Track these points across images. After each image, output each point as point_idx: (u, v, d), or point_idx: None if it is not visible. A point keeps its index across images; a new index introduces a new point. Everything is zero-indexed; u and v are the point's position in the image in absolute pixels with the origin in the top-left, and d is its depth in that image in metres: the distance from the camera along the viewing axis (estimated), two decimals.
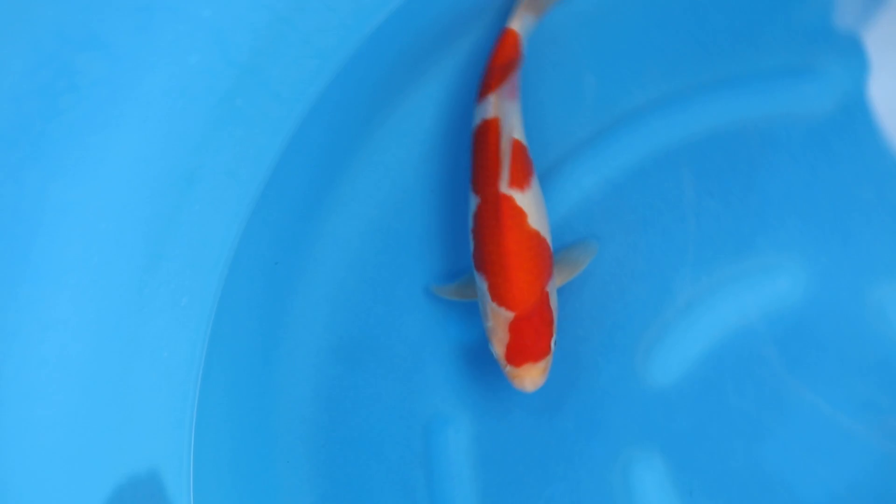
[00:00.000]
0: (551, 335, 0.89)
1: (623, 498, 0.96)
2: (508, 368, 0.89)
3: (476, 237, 0.91)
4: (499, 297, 0.88)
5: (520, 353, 0.88)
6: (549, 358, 0.89)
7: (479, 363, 1.00)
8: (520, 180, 0.90)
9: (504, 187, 0.89)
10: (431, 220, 1.02)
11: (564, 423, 0.98)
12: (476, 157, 0.92)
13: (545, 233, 0.91)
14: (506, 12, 1.00)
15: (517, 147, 0.91)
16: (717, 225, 0.99)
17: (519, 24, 0.98)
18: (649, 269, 0.99)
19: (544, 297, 0.89)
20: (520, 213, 0.89)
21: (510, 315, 0.88)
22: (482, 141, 0.92)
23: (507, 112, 0.92)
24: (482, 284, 0.90)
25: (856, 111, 0.98)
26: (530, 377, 0.88)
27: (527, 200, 0.90)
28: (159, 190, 0.93)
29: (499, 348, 0.89)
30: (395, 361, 1.01)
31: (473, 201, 0.92)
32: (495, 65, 0.95)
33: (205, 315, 0.98)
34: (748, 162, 0.99)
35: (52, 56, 0.85)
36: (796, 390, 0.95)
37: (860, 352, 0.95)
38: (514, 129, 0.92)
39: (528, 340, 0.88)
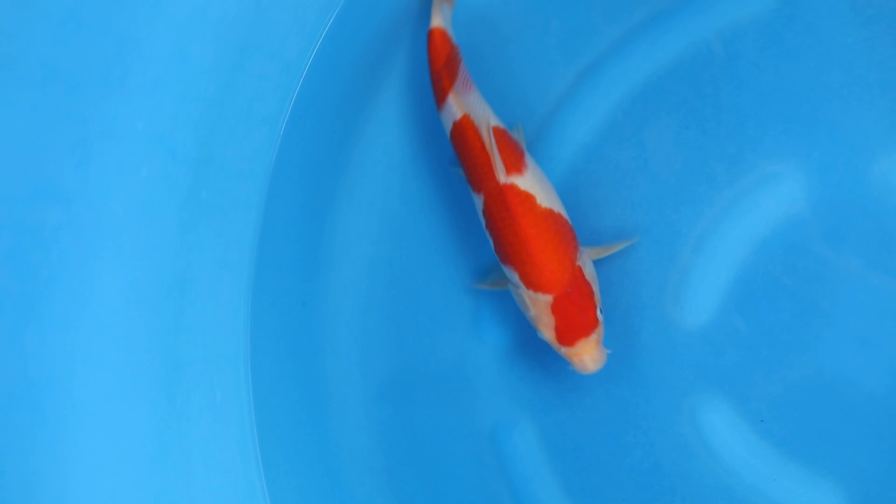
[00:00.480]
0: (595, 306, 0.88)
1: (699, 446, 0.96)
2: (563, 350, 0.88)
3: (492, 232, 0.90)
4: (532, 284, 0.88)
5: (569, 331, 0.88)
6: (601, 329, 0.88)
7: (521, 363, 1.00)
8: (515, 165, 0.89)
9: (502, 178, 0.88)
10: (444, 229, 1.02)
11: (620, 392, 0.98)
12: (464, 159, 0.91)
13: (558, 207, 0.90)
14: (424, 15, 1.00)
15: (498, 134, 0.90)
16: (702, 154, 0.98)
17: (439, 19, 0.95)
18: (652, 219, 0.98)
19: (577, 272, 0.88)
20: (527, 197, 0.88)
21: (549, 298, 0.87)
22: (462, 142, 0.91)
23: (472, 106, 0.91)
24: (513, 276, 0.89)
25: None
26: (588, 353, 0.88)
27: (529, 182, 0.89)
28: None
29: (547, 333, 0.88)
30: (441, 387, 1.01)
31: (478, 200, 0.91)
32: (437, 68, 0.94)
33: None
34: (712, 84, 0.98)
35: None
36: (834, 280, 0.95)
37: (882, 226, 0.94)
38: (487, 118, 0.90)
39: (574, 317, 0.87)
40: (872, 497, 0.94)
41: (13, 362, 0.72)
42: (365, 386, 1.02)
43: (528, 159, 0.91)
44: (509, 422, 1.00)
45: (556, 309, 0.87)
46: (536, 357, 0.99)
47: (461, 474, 1.00)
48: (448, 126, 0.92)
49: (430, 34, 0.94)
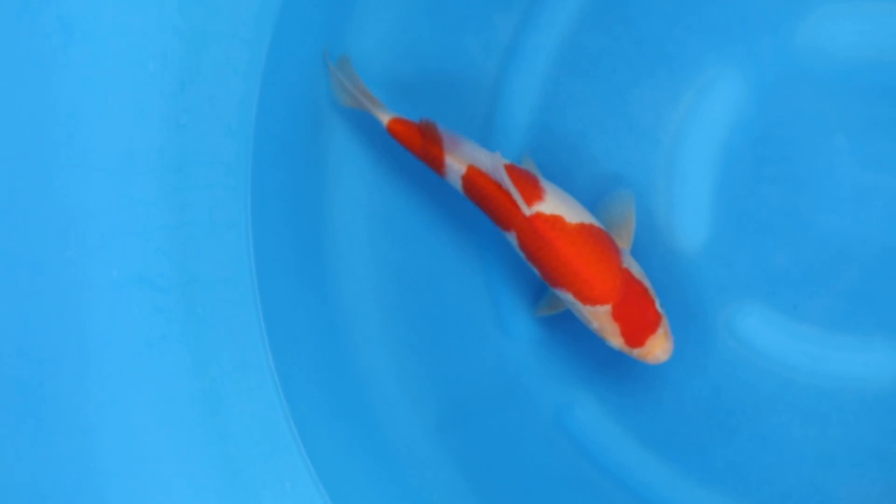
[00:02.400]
0: (653, 301, 0.91)
1: (748, 353, 0.98)
2: (636, 352, 0.91)
3: (534, 262, 0.92)
4: (588, 299, 0.90)
5: (637, 333, 0.90)
6: (665, 321, 0.91)
7: (554, 347, 1.01)
8: (533, 194, 0.90)
9: (526, 211, 0.89)
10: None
11: None
12: (484, 205, 0.92)
13: (588, 218, 0.91)
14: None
15: (509, 170, 0.90)
16: (639, 88, 1.00)
17: (384, 113, 0.94)
18: (619, 165, 1.00)
19: (626, 275, 0.90)
20: (556, 220, 0.90)
21: (608, 307, 0.90)
22: (477, 191, 0.91)
23: (470, 155, 0.91)
24: (567, 297, 0.91)
25: None
26: (660, 348, 0.91)
27: (552, 204, 0.90)
28: None
29: (616, 340, 0.91)
30: (490, 394, 1.02)
31: (510, 237, 0.92)
32: (419, 147, 0.93)
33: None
34: (622, 22, 1.00)
35: None
36: (804, 153, 0.97)
37: (827, 87, 0.97)
38: (489, 160, 0.90)
39: (637, 319, 0.90)
40: None
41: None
42: (420, 418, 1.02)
43: (544, 183, 0.92)
44: (567, 403, 1.01)
45: (617, 316, 0.90)
46: (568, 336, 1.00)
47: (541, 464, 1.01)
48: (457, 183, 0.93)
49: (391, 128, 0.94)
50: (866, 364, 0.97)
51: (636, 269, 0.92)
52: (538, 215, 0.89)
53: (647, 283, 0.91)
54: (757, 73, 0.97)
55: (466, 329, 1.03)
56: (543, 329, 1.02)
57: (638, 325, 0.90)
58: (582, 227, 0.90)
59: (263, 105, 0.92)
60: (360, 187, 1.02)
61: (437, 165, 0.93)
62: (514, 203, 0.89)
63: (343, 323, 1.01)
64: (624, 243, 0.94)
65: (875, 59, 0.95)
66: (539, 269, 0.92)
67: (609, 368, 1.01)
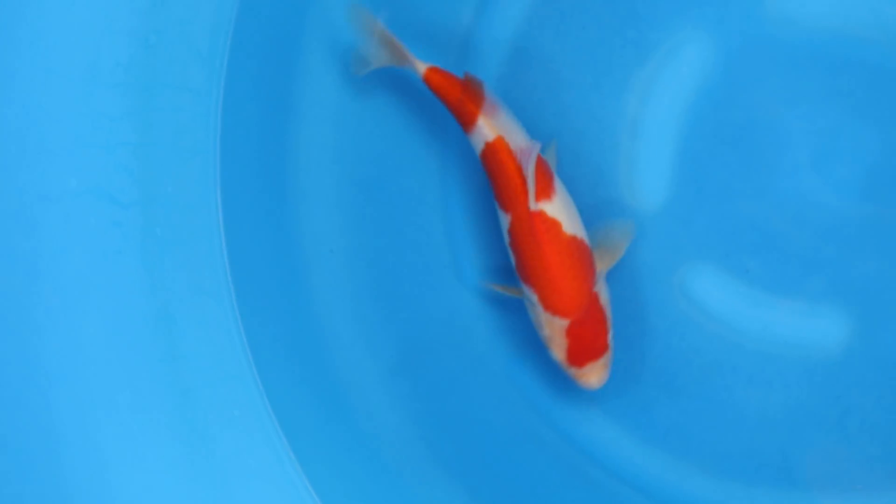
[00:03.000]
0: (607, 332, 0.93)
1: (700, 316, 1.00)
2: (572, 370, 0.94)
3: (515, 252, 0.93)
4: (551, 307, 0.92)
5: (581, 354, 0.93)
6: (610, 353, 0.94)
7: (507, 299, 1.02)
8: (545, 190, 0.91)
9: (533, 205, 0.90)
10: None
11: (612, 291, 1.00)
12: (495, 178, 0.92)
13: (581, 234, 0.93)
14: None
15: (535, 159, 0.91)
16: (608, 46, 1.01)
17: (421, 63, 0.92)
18: (583, 121, 1.01)
19: (594, 298, 0.92)
20: (553, 224, 0.91)
21: (565, 322, 0.92)
22: (495, 162, 0.91)
23: (504, 127, 0.91)
24: (532, 296, 0.93)
25: None
26: (595, 375, 0.93)
27: (556, 208, 0.92)
28: None
29: (559, 354, 0.93)
30: (442, 332, 1.03)
31: (504, 218, 0.93)
32: (456, 96, 0.92)
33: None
34: None
35: None
36: (766, 119, 0.98)
37: (794, 54, 0.98)
38: (522, 141, 0.91)
39: (587, 342, 0.92)
40: (869, 305, 0.98)
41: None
42: (374, 361, 1.02)
43: (557, 183, 0.93)
44: (517, 356, 1.02)
45: (570, 333, 0.92)
46: None
47: (489, 415, 1.02)
48: (479, 146, 0.92)
49: (427, 76, 0.92)
50: (812, 330, 0.99)
51: (604, 296, 0.94)
52: (541, 214, 0.90)
53: (608, 312, 0.94)
54: (725, 37, 0.99)
55: (425, 277, 1.04)
56: (498, 279, 1.03)
57: (585, 349, 0.92)
58: (573, 240, 0.92)
59: (238, 35, 0.92)
60: (329, 128, 1.02)
61: (466, 121, 0.92)
62: (524, 191, 0.90)
63: (305, 260, 1.02)
64: (603, 266, 0.96)
65: (839, 31, 0.97)
66: (518, 259, 0.93)
67: None
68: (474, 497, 1.01)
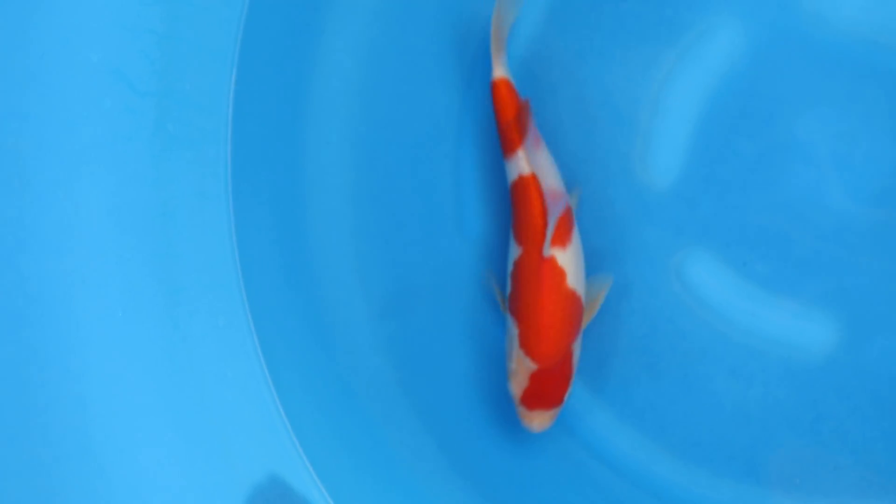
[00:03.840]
0: (567, 389, 0.94)
1: (690, 300, 1.00)
2: (520, 409, 0.94)
3: (514, 284, 0.94)
4: (527, 348, 0.92)
5: (535, 399, 0.93)
6: (561, 407, 0.94)
7: (505, 254, 1.02)
8: (562, 238, 0.92)
9: (547, 250, 0.91)
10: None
11: (608, 266, 1.01)
12: (519, 211, 0.93)
13: (581, 290, 0.94)
14: None
15: (558, 200, 0.92)
16: (642, 22, 1.01)
17: (501, 69, 0.94)
18: (608, 92, 1.01)
19: (568, 354, 0.93)
20: (559, 273, 0.91)
21: (534, 366, 0.92)
22: (523, 198, 0.92)
23: (540, 166, 0.92)
24: (513, 329, 0.93)
25: None
26: (539, 421, 0.94)
27: (567, 258, 0.92)
28: None
29: (516, 390, 0.94)
30: (437, 280, 1.03)
31: (514, 249, 0.94)
32: (507, 119, 0.93)
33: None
34: None
35: None
36: (786, 115, 0.98)
37: (822, 55, 0.98)
38: (554, 182, 0.92)
39: (546, 391, 0.93)
40: (861, 315, 0.98)
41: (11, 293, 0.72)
42: (366, 301, 1.03)
43: (575, 234, 0.94)
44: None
45: (535, 378, 0.93)
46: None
47: (471, 370, 1.02)
48: (512, 176, 0.93)
49: (496, 85, 0.94)
50: (800, 332, 0.99)
51: (576, 355, 0.94)
52: (551, 260, 0.91)
53: (573, 370, 0.94)
54: (757, 28, 0.99)
55: (427, 223, 1.04)
56: (499, 236, 1.03)
57: (541, 396, 0.93)
58: (572, 296, 0.92)
59: None
60: (349, 61, 1.03)
61: (508, 148, 0.93)
62: (542, 233, 0.90)
63: (309, 186, 1.02)
64: (584, 320, 0.96)
65: (870, 37, 0.97)
66: (513, 292, 0.93)
67: None
68: (443, 446, 1.02)
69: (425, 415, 1.02)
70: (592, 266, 0.99)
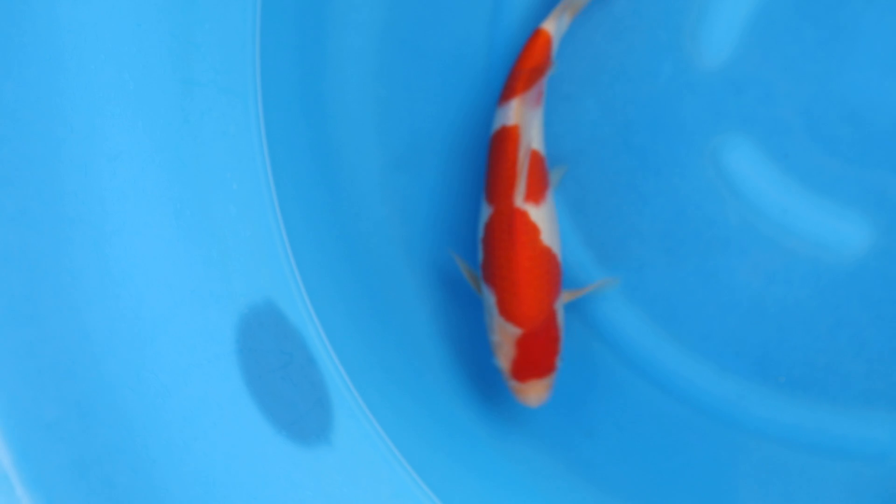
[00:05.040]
0: (557, 352, 0.89)
1: (722, 187, 0.96)
2: (513, 383, 0.89)
3: (487, 248, 0.88)
4: (507, 313, 0.87)
5: (526, 369, 0.88)
6: (554, 374, 0.89)
7: None
8: (535, 194, 0.87)
9: (519, 201, 0.86)
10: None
11: (640, 139, 0.97)
12: (492, 166, 0.88)
13: (556, 248, 0.89)
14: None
15: (535, 159, 0.88)
16: None
17: (553, 25, 0.90)
18: None
19: (552, 315, 0.88)
20: (533, 229, 0.86)
21: (518, 331, 0.87)
22: (500, 149, 0.88)
23: (528, 120, 0.87)
24: (490, 297, 0.88)
25: None
26: (535, 393, 0.89)
27: (541, 215, 0.87)
28: None
29: (504, 363, 0.89)
30: (458, 150, 0.99)
31: (486, 211, 0.89)
32: (523, 67, 0.89)
33: None
34: None
35: None
36: (857, 3, 0.92)
37: None
38: (533, 139, 0.88)
39: (535, 357, 0.88)
40: None
41: None
42: (381, 156, 0.99)
43: (549, 194, 0.89)
44: None
45: (521, 344, 0.87)
46: (552, 110, 0.97)
47: (474, 236, 0.99)
48: (496, 125, 0.89)
49: (537, 33, 0.90)
50: (833, 233, 0.95)
51: (560, 317, 0.89)
52: (524, 214, 0.86)
53: (561, 334, 0.89)
54: None
55: (453, 73, 0.99)
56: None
57: (531, 364, 0.88)
58: (547, 252, 0.87)
59: None
60: None
61: (506, 94, 0.89)
62: (513, 185, 0.86)
63: (336, 27, 0.98)
64: (568, 296, 0.92)
65: None
66: (487, 257, 0.88)
67: (580, 157, 0.98)
68: (434, 313, 0.99)
69: (420, 276, 0.99)
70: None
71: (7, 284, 0.64)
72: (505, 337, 0.88)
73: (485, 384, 0.98)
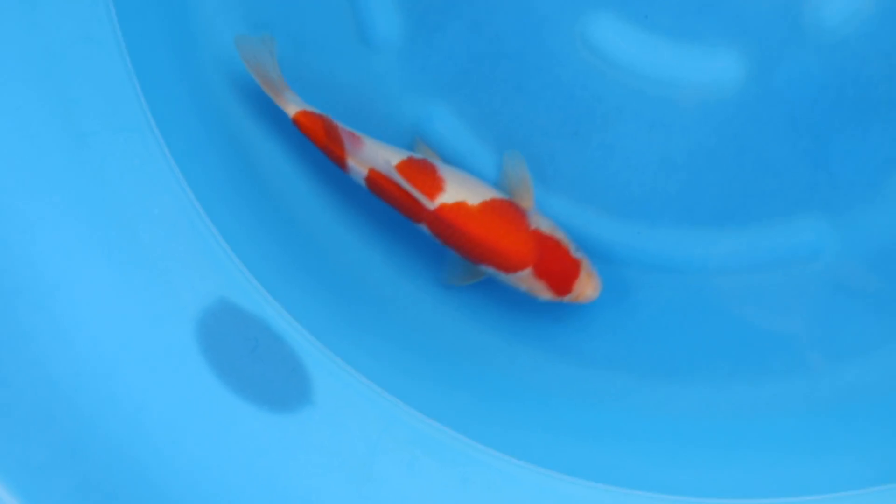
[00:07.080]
0: (568, 249, 0.96)
1: (601, 63, 1.01)
2: (567, 298, 0.97)
3: (450, 246, 0.96)
4: (509, 268, 0.95)
5: (562, 283, 0.96)
6: (586, 261, 0.97)
7: (418, 55, 1.03)
8: (433, 186, 0.94)
9: (429, 206, 0.93)
10: None
11: (511, 43, 1.02)
12: (390, 203, 0.96)
13: (488, 193, 0.95)
14: None
15: (404, 169, 0.94)
16: None
17: (293, 105, 0.96)
18: None
19: (536, 235, 0.95)
20: (459, 206, 0.94)
21: (528, 270, 0.95)
22: (380, 192, 0.95)
23: (368, 157, 0.94)
24: (488, 269, 0.96)
25: None
26: (588, 288, 0.97)
27: (453, 192, 0.94)
28: None
29: (546, 295, 0.97)
30: (349, 96, 1.04)
31: (423, 228, 0.96)
32: (323, 144, 0.95)
33: None
34: None
35: None
36: None
37: None
38: (388, 161, 0.94)
39: (559, 271, 0.96)
40: (763, 45, 0.99)
41: None
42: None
43: (442, 170, 0.96)
44: (426, 115, 1.04)
45: (539, 274, 0.95)
46: (431, 47, 1.03)
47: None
48: (361, 183, 0.96)
49: (297, 121, 0.95)
50: (710, 71, 1.00)
51: (545, 225, 0.96)
52: (442, 206, 0.93)
53: (558, 235, 0.96)
54: None
55: (326, 39, 1.03)
56: (404, 40, 1.03)
57: (561, 276, 0.96)
58: (485, 206, 0.94)
59: None
60: None
61: (340, 164, 0.95)
62: (416, 201, 0.93)
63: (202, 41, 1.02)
64: (527, 203, 0.98)
65: None
66: (456, 249, 0.96)
67: (475, 80, 1.03)
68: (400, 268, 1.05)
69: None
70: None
71: None
72: (527, 282, 0.96)
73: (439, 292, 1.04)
